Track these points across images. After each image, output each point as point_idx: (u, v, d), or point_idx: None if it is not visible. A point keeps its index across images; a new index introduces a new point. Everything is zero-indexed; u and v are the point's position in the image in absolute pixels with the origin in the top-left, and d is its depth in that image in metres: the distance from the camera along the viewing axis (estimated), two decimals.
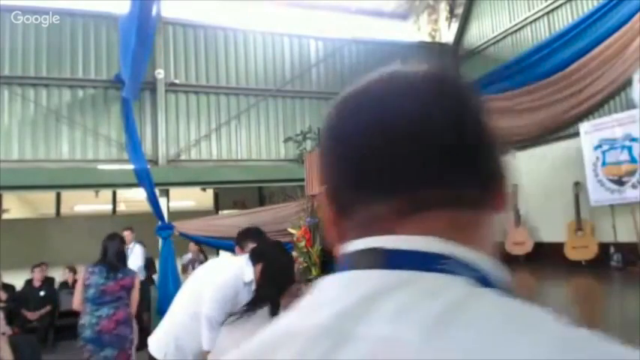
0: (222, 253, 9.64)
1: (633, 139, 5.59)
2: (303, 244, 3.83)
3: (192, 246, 6.98)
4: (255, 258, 2.24)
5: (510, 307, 0.37)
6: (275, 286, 2.13)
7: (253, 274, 2.20)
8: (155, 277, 6.92)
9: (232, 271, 2.21)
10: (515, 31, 7.85)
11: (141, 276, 5.97)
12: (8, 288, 6.52)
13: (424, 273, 0.39)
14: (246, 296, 2.17)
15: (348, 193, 0.45)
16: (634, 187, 5.58)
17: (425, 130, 0.42)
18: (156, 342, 2.24)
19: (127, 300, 3.53)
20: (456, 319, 0.35)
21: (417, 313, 0.36)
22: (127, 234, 6.27)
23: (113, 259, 3.48)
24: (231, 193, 9.91)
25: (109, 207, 10.32)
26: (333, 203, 0.47)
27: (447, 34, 9.27)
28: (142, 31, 5.69)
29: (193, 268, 5.80)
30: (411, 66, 0.48)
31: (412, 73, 0.47)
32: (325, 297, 0.42)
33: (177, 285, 5.75)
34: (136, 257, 6.28)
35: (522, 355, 0.32)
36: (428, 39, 9.42)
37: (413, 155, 0.42)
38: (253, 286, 2.22)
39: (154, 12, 6.15)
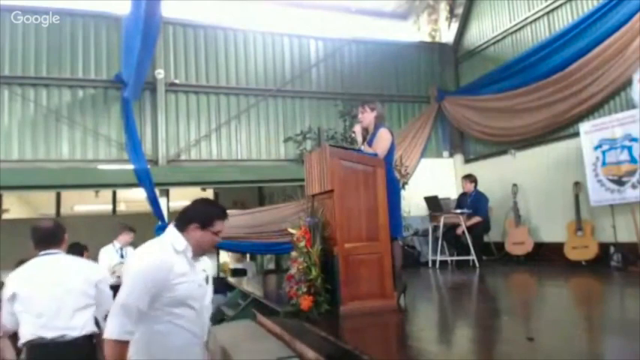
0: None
1: (633, 139, 5.59)
2: (303, 244, 3.81)
3: None
4: (183, 223, 2.08)
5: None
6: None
7: (186, 240, 2.04)
8: None
9: (154, 250, 2.02)
10: (515, 31, 7.84)
11: None
12: None
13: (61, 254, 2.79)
14: (186, 266, 2.01)
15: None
16: (634, 187, 5.58)
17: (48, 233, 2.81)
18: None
19: None
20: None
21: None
22: (128, 237, 5.89)
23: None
24: (231, 193, 9.90)
25: (109, 207, 10.32)
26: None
27: (447, 34, 9.27)
28: (147, 33, 5.67)
29: None
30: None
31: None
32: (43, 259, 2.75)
33: None
34: None
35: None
36: (428, 39, 9.42)
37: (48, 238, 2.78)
38: (189, 253, 2.04)
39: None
